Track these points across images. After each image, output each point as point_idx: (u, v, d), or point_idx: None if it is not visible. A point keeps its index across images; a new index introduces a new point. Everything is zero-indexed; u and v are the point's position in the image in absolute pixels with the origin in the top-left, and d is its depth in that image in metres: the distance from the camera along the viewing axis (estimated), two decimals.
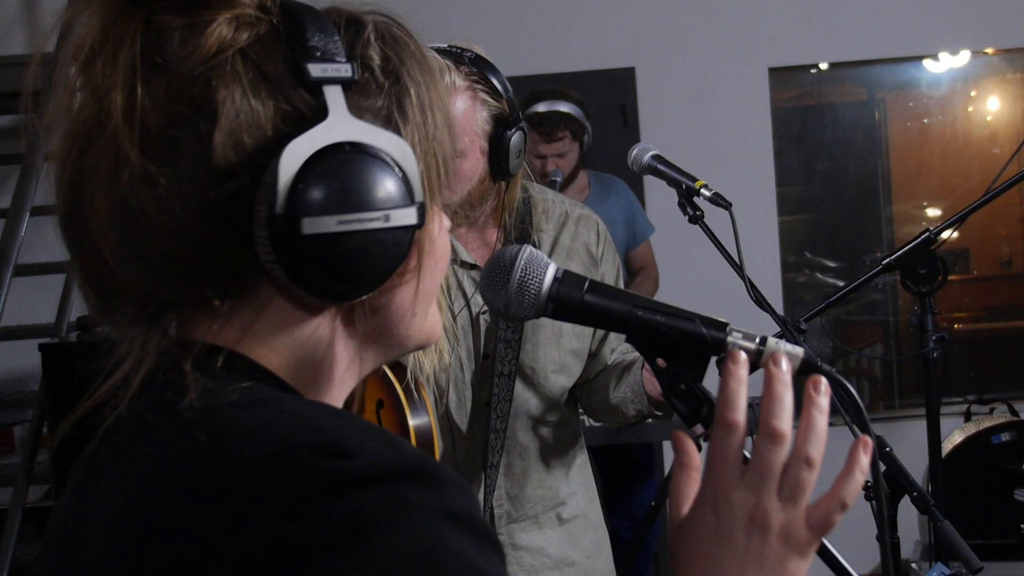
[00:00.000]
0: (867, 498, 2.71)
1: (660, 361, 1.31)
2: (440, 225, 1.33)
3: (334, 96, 1.21)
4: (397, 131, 1.25)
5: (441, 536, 1.04)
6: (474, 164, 2.95)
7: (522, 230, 3.12)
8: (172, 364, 1.22)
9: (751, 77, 7.37)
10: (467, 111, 2.91)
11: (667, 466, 5.46)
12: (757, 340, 1.29)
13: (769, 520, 1.24)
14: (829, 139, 8.08)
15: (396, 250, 1.22)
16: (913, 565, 5.91)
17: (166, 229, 1.18)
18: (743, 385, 1.25)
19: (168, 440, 1.16)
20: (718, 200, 3.04)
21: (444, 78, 2.87)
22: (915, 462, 5.33)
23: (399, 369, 2.97)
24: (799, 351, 1.29)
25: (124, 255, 1.20)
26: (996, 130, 8.08)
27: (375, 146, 1.21)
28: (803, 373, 1.29)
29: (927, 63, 7.72)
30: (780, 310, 6.94)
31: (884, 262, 3.56)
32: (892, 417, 7.68)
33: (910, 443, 5.64)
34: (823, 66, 7.72)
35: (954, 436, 6.63)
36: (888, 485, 2.69)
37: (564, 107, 5.89)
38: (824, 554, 1.33)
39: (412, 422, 2.96)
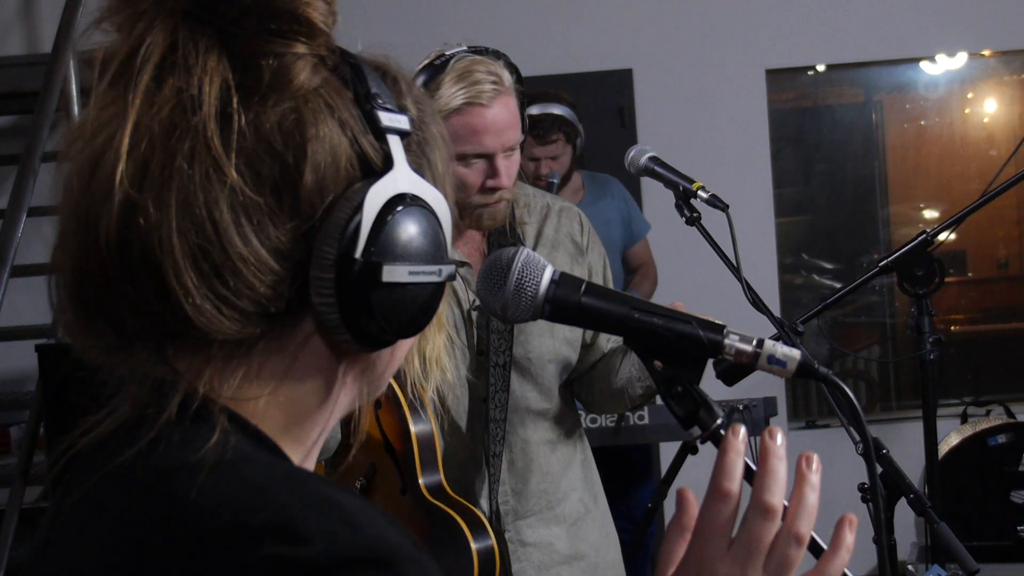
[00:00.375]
0: (863, 500, 2.72)
1: (657, 363, 1.31)
2: None
3: (396, 146, 1.23)
4: (424, 173, 1.27)
5: None
6: (516, 162, 3.02)
7: (506, 225, 3.14)
8: (150, 401, 1.18)
9: (748, 78, 7.37)
10: (517, 110, 3.00)
11: (664, 467, 5.45)
12: (754, 342, 1.29)
13: None
14: (826, 141, 8.10)
15: (435, 302, 1.24)
16: (910, 567, 5.92)
17: (242, 258, 1.14)
18: (741, 457, 1.22)
19: (127, 498, 1.13)
20: (715, 202, 3.04)
21: (492, 78, 2.94)
22: (912, 464, 5.33)
23: (400, 373, 2.98)
24: (796, 354, 1.29)
25: (185, 277, 1.13)
26: (993, 132, 8.09)
27: (427, 199, 1.23)
28: (800, 376, 1.29)
29: (924, 65, 7.73)
30: (777, 312, 6.94)
31: (881, 264, 3.57)
32: (889, 419, 7.68)
33: (907, 445, 5.64)
34: (820, 68, 7.72)
35: (951, 438, 6.64)
36: (884, 487, 2.69)
37: (557, 109, 5.89)
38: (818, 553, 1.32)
39: (413, 428, 2.97)
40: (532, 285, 1.30)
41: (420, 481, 3.00)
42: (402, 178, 1.21)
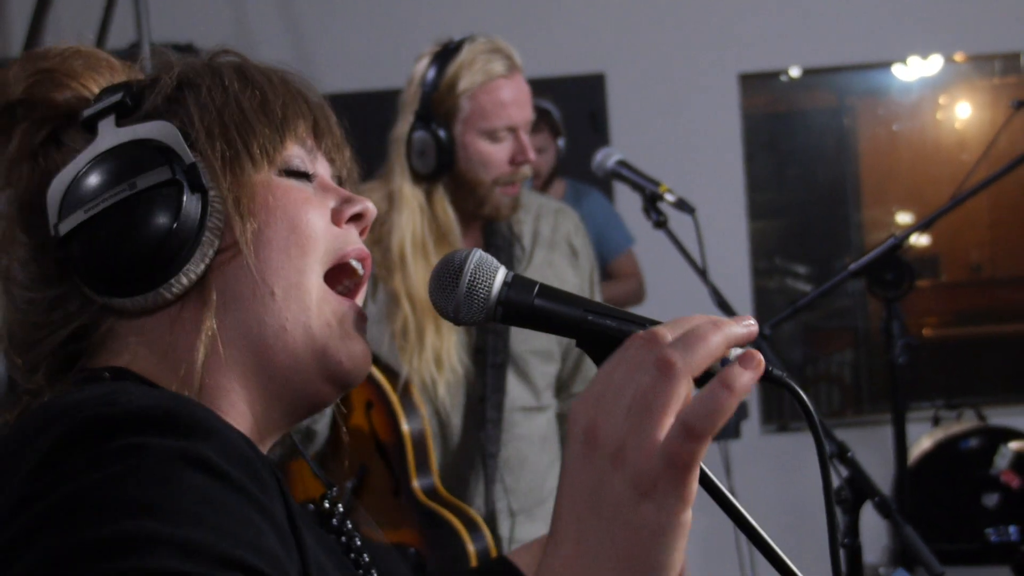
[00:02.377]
0: None
1: None
2: (290, 194, 1.35)
3: (107, 122, 1.30)
4: (174, 114, 1.31)
5: (172, 475, 1.05)
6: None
7: (503, 223, 3.18)
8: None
9: (722, 83, 7.38)
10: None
11: None
12: None
13: (598, 435, 1.02)
14: (800, 145, 8.11)
15: (167, 208, 1.25)
16: (881, 570, 5.92)
17: (20, 285, 1.32)
18: (735, 400, 1.02)
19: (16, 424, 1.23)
20: (682, 205, 3.04)
21: (509, 52, 3.12)
22: (884, 468, 5.34)
23: (393, 374, 2.99)
24: None
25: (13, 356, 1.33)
26: (965, 137, 8.11)
27: (130, 140, 1.27)
28: None
29: (897, 70, 7.74)
30: (751, 316, 6.94)
31: (850, 269, 3.56)
32: (861, 422, 7.70)
33: (880, 448, 5.65)
34: (793, 72, 7.73)
35: (922, 441, 6.64)
36: (850, 490, 2.69)
37: (543, 104, 5.91)
38: (772, 557, 1.30)
39: (405, 426, 2.97)
40: (484, 287, 1.29)
41: (414, 483, 3.01)
42: (98, 146, 1.28)
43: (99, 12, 5.04)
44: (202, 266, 1.27)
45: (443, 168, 3.02)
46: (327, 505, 1.51)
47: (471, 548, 2.94)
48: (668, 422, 1.00)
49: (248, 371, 1.31)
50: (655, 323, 1.29)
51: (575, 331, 1.30)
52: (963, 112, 8.16)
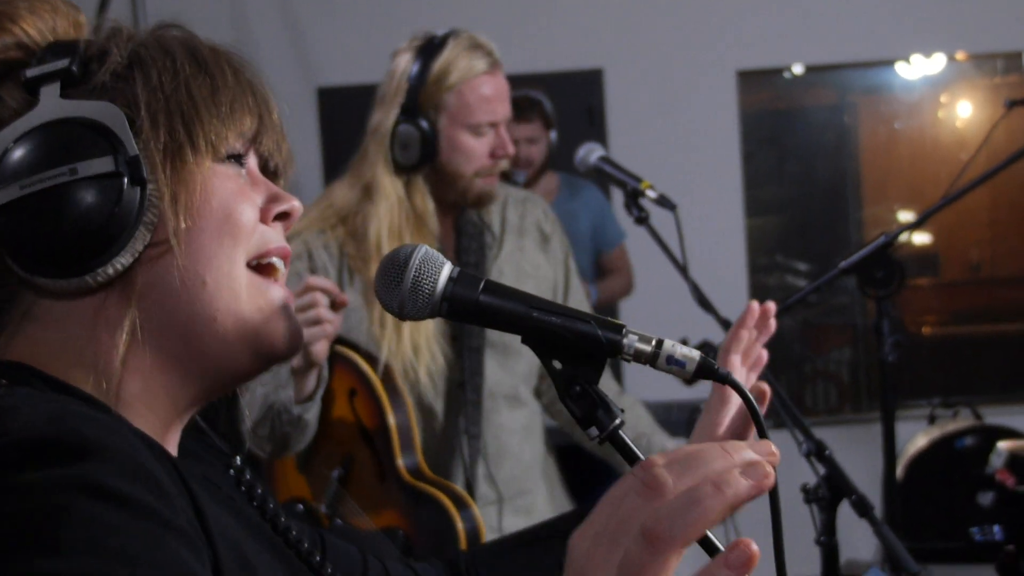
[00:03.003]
0: (806, 501, 2.71)
1: (556, 363, 1.30)
2: (225, 186, 1.33)
3: (50, 89, 1.27)
4: (122, 97, 1.28)
5: (69, 509, 1.03)
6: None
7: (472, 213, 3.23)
8: None
9: (720, 79, 7.37)
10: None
11: None
12: (653, 343, 1.28)
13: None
14: (800, 142, 8.10)
15: (105, 201, 1.23)
16: (865, 572, 5.91)
17: None
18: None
19: None
20: (663, 202, 3.04)
21: (491, 48, 3.13)
22: (879, 465, 5.32)
23: (374, 361, 3.01)
24: (695, 355, 1.28)
25: None
26: (966, 136, 8.10)
27: (73, 116, 1.25)
28: (699, 377, 1.28)
29: (899, 68, 7.73)
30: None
31: (840, 266, 3.55)
32: (858, 420, 7.69)
33: (876, 446, 5.62)
34: (795, 69, 7.72)
35: (918, 439, 6.63)
36: (828, 488, 2.68)
37: (535, 94, 5.91)
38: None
39: (389, 408, 2.99)
40: (429, 283, 1.29)
41: (399, 462, 3.03)
42: (46, 111, 1.25)
43: (94, 3, 5.03)
44: (130, 258, 1.25)
45: (425, 160, 3.08)
46: (233, 473, 1.49)
47: (459, 525, 2.97)
48: None
49: (171, 359, 1.31)
50: (602, 320, 1.29)
51: (520, 327, 1.30)
52: (964, 111, 8.15)
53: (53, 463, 1.06)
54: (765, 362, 1.99)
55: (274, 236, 1.39)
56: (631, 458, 1.28)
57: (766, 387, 1.88)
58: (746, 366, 1.96)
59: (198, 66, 1.33)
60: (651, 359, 1.29)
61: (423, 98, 3.06)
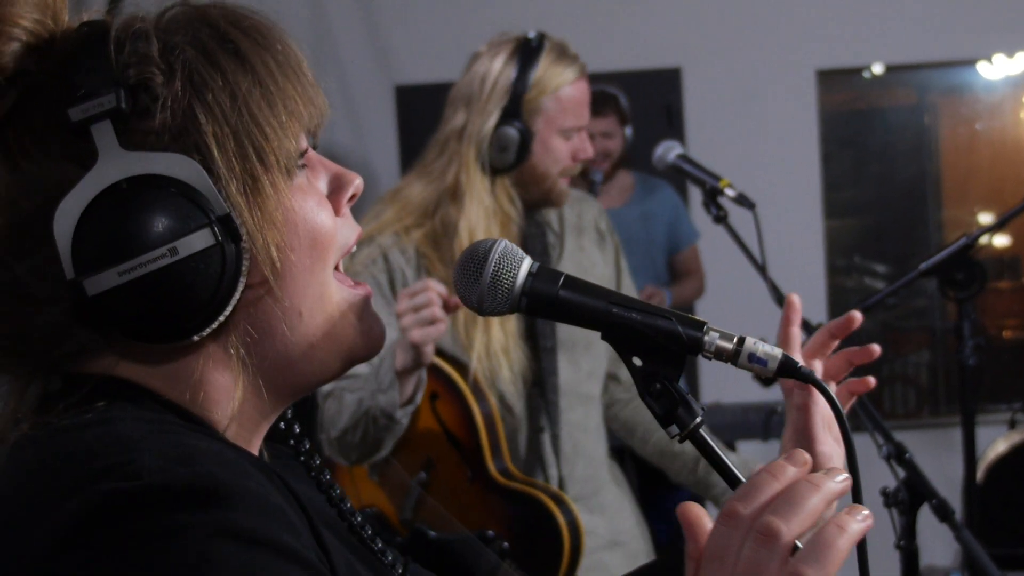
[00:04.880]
0: (885, 505, 2.68)
1: (636, 360, 1.28)
2: (304, 203, 1.29)
3: (104, 133, 1.17)
4: (191, 142, 1.21)
5: (213, 555, 1.03)
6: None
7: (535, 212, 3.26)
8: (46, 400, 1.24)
9: (799, 79, 7.32)
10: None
11: None
12: (735, 340, 1.26)
13: None
14: (879, 143, 8.03)
15: (209, 274, 1.18)
16: (953, 574, 5.85)
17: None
18: (778, 483, 1.09)
19: (24, 453, 1.17)
20: (743, 200, 3.02)
21: (574, 63, 3.15)
22: (959, 470, 5.27)
23: (458, 364, 3.03)
24: (777, 353, 1.26)
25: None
26: None
27: (151, 175, 1.17)
28: (781, 375, 1.26)
29: (980, 67, 7.64)
30: (824, 314, 6.89)
31: (921, 268, 3.51)
32: (937, 424, 7.61)
33: (954, 451, 5.57)
34: (875, 69, 7.65)
35: (998, 444, 6.55)
36: (908, 492, 2.65)
37: (610, 89, 5.90)
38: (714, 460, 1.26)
39: (477, 411, 3.00)
40: (509, 277, 1.28)
41: (491, 466, 3.05)
42: (111, 168, 1.17)
43: None
44: (230, 308, 1.22)
45: (520, 162, 3.12)
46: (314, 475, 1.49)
47: (561, 519, 3.00)
48: None
49: (267, 384, 1.30)
50: (683, 317, 1.27)
51: (599, 324, 1.28)
52: None
53: (192, 509, 1.05)
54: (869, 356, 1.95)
55: (350, 228, 1.36)
56: (712, 457, 1.26)
57: (871, 380, 1.87)
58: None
59: (244, 70, 1.25)
60: (732, 357, 1.27)
61: (523, 102, 3.11)
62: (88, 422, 1.15)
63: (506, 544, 2.81)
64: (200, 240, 1.17)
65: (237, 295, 1.21)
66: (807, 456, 1.13)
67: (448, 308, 2.75)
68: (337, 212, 1.34)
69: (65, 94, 1.18)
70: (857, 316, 1.85)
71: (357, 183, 1.36)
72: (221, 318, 1.21)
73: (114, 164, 1.17)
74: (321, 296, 1.29)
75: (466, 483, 3.07)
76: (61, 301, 1.18)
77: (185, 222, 1.17)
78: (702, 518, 1.12)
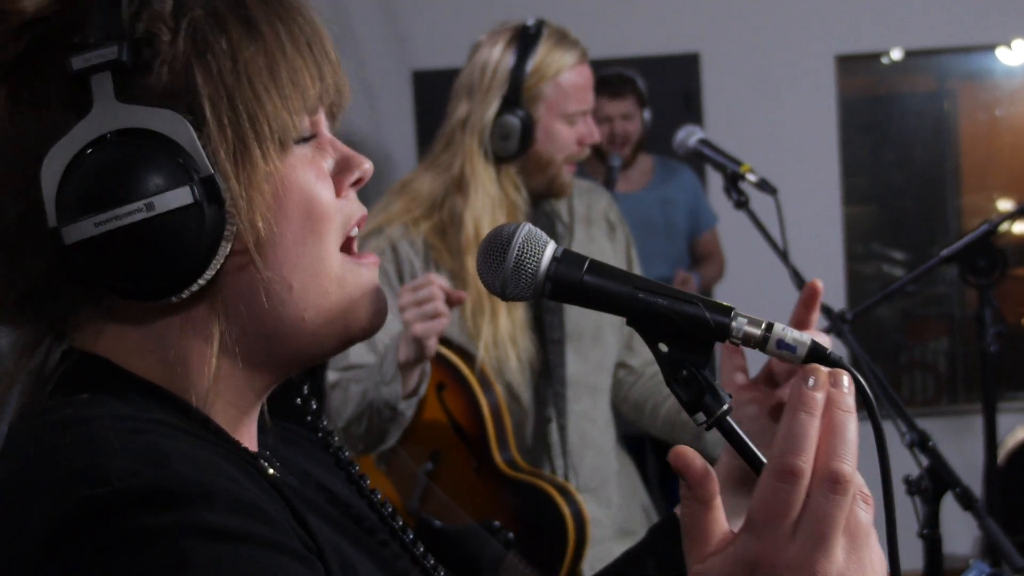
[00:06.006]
0: (909, 493, 2.67)
1: (662, 346, 1.26)
2: (300, 176, 1.26)
3: (102, 85, 1.17)
4: (185, 101, 1.19)
5: (190, 555, 1.03)
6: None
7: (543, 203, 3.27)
8: (42, 372, 1.26)
9: (818, 64, 7.30)
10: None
11: None
12: (763, 326, 1.24)
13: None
14: (898, 129, 8.00)
15: (187, 234, 1.17)
16: (971, 561, 5.83)
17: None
18: (816, 419, 1.10)
19: (5, 452, 1.20)
20: (764, 186, 3.00)
21: (574, 48, 3.17)
22: (978, 458, 5.25)
23: (464, 354, 3.03)
24: (806, 338, 1.23)
25: None
26: None
27: (139, 129, 1.17)
28: (809, 361, 1.24)
29: (1000, 53, 7.60)
30: (842, 301, 6.88)
31: (942, 254, 3.49)
32: (956, 412, 7.59)
33: (973, 438, 5.55)
34: (895, 55, 7.62)
35: (1017, 432, 6.53)
36: (930, 480, 2.64)
37: (628, 72, 5.89)
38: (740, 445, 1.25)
39: (484, 402, 3.00)
40: (533, 262, 1.26)
41: (497, 457, 3.06)
42: (103, 119, 1.16)
43: None
44: (212, 272, 1.20)
45: (523, 150, 3.13)
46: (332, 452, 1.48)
47: (565, 510, 3.01)
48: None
49: (256, 359, 1.28)
50: (710, 303, 1.26)
51: (625, 309, 1.26)
52: None
53: (162, 511, 1.05)
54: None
55: (355, 208, 1.33)
56: (739, 445, 1.24)
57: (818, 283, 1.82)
58: None
59: (251, 37, 1.23)
60: (760, 343, 1.24)
61: (525, 89, 3.11)
62: (68, 420, 1.15)
63: (511, 535, 2.81)
64: (178, 198, 1.16)
65: (219, 260, 1.19)
66: (821, 370, 1.13)
67: (451, 302, 2.76)
68: (338, 193, 1.30)
69: (72, 43, 1.18)
70: (818, 284, 1.81)
71: (365, 167, 1.33)
72: (201, 281, 1.19)
73: (107, 116, 1.16)
74: (317, 271, 1.27)
75: (472, 473, 3.07)
76: (44, 252, 1.18)
77: (166, 179, 1.16)
78: (696, 459, 1.12)
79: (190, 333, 1.24)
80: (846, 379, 1.12)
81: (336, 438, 1.48)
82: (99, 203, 1.15)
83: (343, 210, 1.30)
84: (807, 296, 1.77)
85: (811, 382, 1.11)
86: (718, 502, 1.12)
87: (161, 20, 1.20)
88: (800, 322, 1.78)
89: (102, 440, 1.11)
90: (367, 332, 1.33)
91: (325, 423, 1.48)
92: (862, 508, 1.07)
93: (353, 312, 1.31)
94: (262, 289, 1.24)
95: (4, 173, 1.19)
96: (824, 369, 1.13)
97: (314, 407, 1.47)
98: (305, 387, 1.44)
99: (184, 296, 1.20)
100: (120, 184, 1.15)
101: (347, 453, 1.48)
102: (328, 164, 1.31)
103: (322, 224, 1.27)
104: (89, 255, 1.15)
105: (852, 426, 1.09)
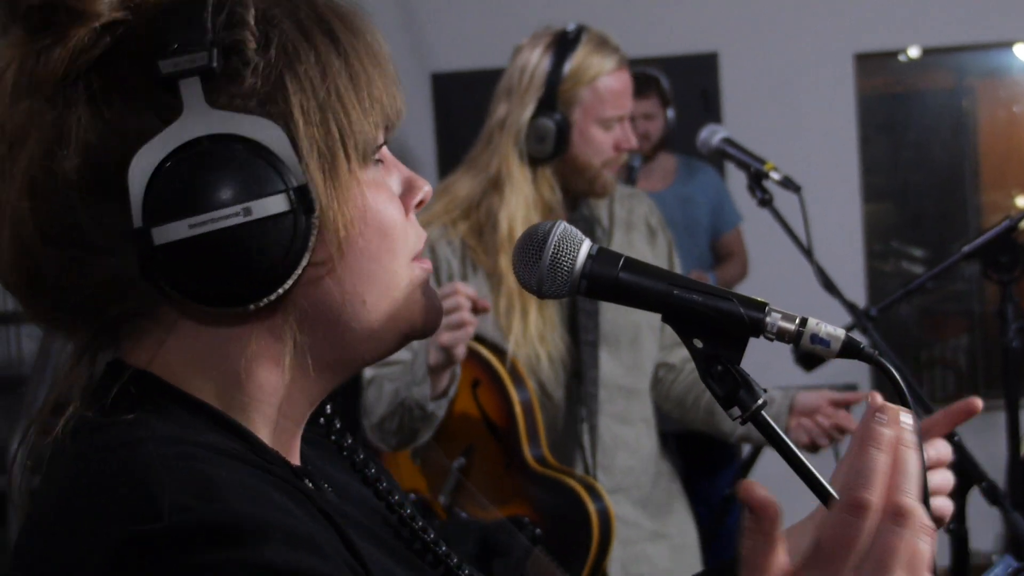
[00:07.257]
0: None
1: (697, 342, 1.27)
2: (376, 194, 1.27)
3: (191, 90, 1.16)
4: (277, 109, 1.20)
5: None
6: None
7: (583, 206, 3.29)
8: (90, 385, 1.25)
9: (837, 63, 7.29)
10: None
11: (746, 451, 5.42)
12: (797, 321, 1.26)
13: None
14: (917, 127, 7.99)
15: (278, 241, 1.17)
16: (994, 557, 5.82)
17: (48, 258, 1.20)
18: (885, 455, 1.10)
19: (52, 473, 1.20)
20: (788, 184, 3.01)
21: (613, 53, 3.16)
22: (1000, 454, 5.24)
23: (498, 351, 3.05)
24: (840, 333, 1.25)
25: (25, 285, 1.24)
26: None
27: (234, 135, 1.16)
28: (844, 356, 1.25)
29: (1017, 50, 7.59)
30: (863, 298, 6.87)
31: (964, 250, 3.49)
32: None
33: (995, 434, 5.55)
34: (911, 52, 7.61)
35: None
36: (956, 475, 2.64)
37: (652, 71, 5.89)
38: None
39: (516, 398, 3.02)
40: (568, 259, 1.27)
41: (527, 453, 3.08)
42: (194, 123, 1.16)
43: None
44: (291, 282, 1.20)
45: (558, 153, 3.15)
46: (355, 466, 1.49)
47: (591, 508, 3.02)
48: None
49: (319, 368, 1.28)
50: (744, 298, 1.27)
51: (661, 306, 1.28)
52: None
53: (218, 548, 1.05)
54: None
55: (417, 233, 1.34)
56: (774, 439, 1.25)
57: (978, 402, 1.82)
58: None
59: (336, 50, 1.24)
60: (795, 338, 1.26)
61: (559, 93, 3.13)
62: (117, 443, 1.15)
63: (539, 530, 2.83)
64: (275, 205, 1.16)
65: (300, 269, 1.19)
66: (890, 407, 1.14)
67: (476, 310, 2.79)
68: (406, 214, 1.32)
69: (157, 47, 1.17)
70: (977, 403, 1.81)
71: (427, 189, 1.35)
72: (281, 290, 1.19)
73: (198, 120, 1.16)
74: (388, 286, 1.28)
75: (502, 469, 3.09)
76: (119, 253, 1.18)
77: (262, 185, 1.16)
78: (761, 492, 1.11)
79: (260, 343, 1.24)
80: (908, 417, 1.12)
81: (361, 455, 1.48)
82: (194, 206, 1.14)
83: (408, 232, 1.31)
84: (961, 411, 1.78)
85: (881, 419, 1.12)
86: (781, 535, 1.12)
87: (248, 29, 1.20)
88: (936, 425, 1.79)
89: (148, 468, 1.11)
90: (428, 331, 1.34)
91: (349, 441, 1.49)
92: (924, 541, 1.08)
93: (410, 312, 1.31)
94: (337, 300, 1.25)
95: (81, 172, 1.18)
96: (893, 407, 1.13)
97: (338, 426, 1.47)
98: (328, 407, 1.44)
99: (261, 304, 1.20)
100: (217, 188, 1.15)
101: (361, 455, 1.48)
102: (394, 184, 1.33)
103: (395, 242, 1.28)
104: (177, 257, 1.15)
105: (914, 460, 1.10)
